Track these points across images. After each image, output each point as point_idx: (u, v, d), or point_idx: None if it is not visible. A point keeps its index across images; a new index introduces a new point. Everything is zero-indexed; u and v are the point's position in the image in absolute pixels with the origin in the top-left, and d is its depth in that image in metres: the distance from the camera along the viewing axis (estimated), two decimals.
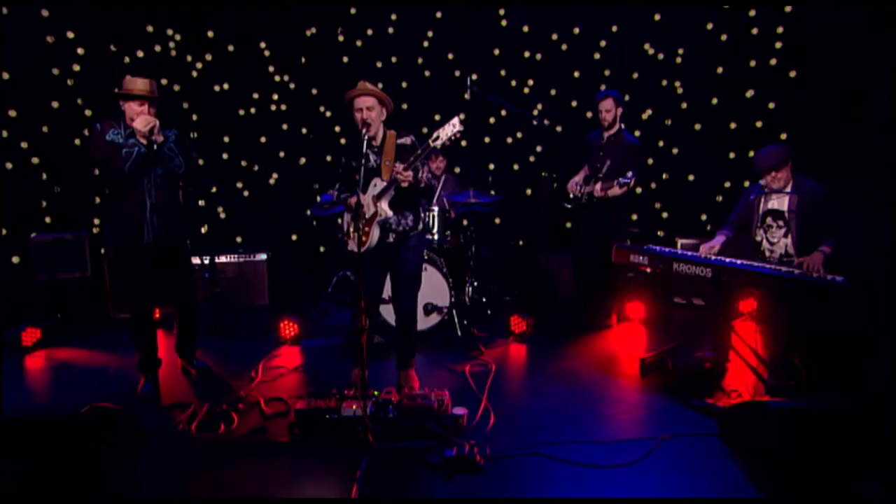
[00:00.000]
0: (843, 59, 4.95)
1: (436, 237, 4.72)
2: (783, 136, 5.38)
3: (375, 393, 3.24)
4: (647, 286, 5.02)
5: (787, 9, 5.28)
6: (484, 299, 5.08)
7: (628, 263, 3.91)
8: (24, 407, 3.36)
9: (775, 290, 3.23)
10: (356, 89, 3.30)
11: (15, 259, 4.98)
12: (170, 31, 5.40)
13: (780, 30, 5.34)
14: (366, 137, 3.19)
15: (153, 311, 3.69)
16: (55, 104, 5.17)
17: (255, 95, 5.77)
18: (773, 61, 5.39)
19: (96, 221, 5.39)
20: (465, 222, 5.47)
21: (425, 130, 5.71)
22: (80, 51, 5.18)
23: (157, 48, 5.38)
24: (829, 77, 5.06)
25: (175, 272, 3.59)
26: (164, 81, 5.43)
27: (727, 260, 3.52)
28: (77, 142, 5.27)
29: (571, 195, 4.81)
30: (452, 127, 3.10)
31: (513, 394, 3.57)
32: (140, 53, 5.33)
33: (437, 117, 5.93)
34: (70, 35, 5.13)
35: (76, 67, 5.18)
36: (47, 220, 5.23)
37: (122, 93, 3.27)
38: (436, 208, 4.75)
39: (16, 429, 2.45)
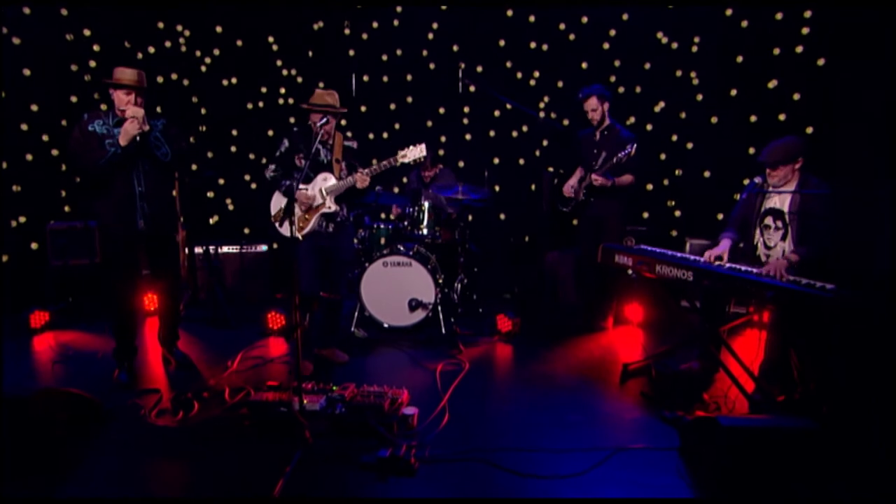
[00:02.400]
0: (880, 46, 4.50)
1: (425, 232, 4.65)
2: (809, 131, 4.98)
3: (334, 388, 3.22)
4: (645, 288, 4.77)
5: None
6: (475, 296, 4.97)
7: (613, 264, 3.72)
8: (16, 385, 3.53)
9: (759, 298, 2.98)
10: (313, 103, 3.60)
11: (34, 245, 5.27)
12: (179, 27, 5.56)
13: (807, 14, 4.93)
14: (328, 144, 3.55)
15: (138, 299, 3.80)
16: (74, 98, 5.43)
17: (263, 89, 5.86)
18: (800, 49, 4.98)
19: None
20: (470, 217, 5.37)
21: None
22: (96, 47, 5.41)
23: (168, 44, 5.55)
24: (863, 65, 4.62)
25: (164, 260, 3.70)
26: (174, 76, 5.61)
27: (711, 264, 3.28)
28: None
29: (566, 197, 4.62)
30: (419, 151, 3.61)
31: (478, 396, 3.45)
32: (151, 49, 5.52)
33: (442, 110, 5.87)
34: (87, 32, 5.36)
35: (93, 63, 5.42)
36: (66, 209, 5.50)
37: (109, 81, 3.38)
38: (426, 203, 4.68)
39: None
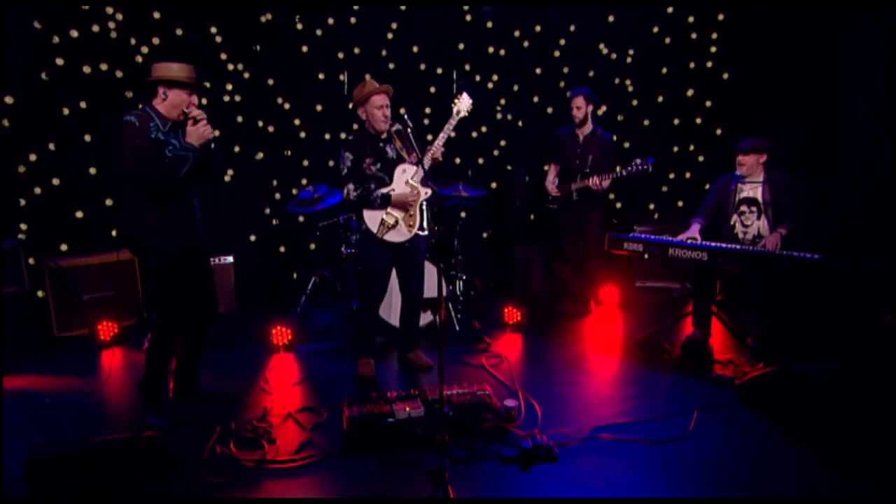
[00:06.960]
0: (769, 62, 5.61)
1: (426, 232, 4.66)
2: (718, 132, 6.01)
3: (415, 393, 3.18)
4: (620, 272, 5.38)
5: (720, 17, 5.87)
6: (472, 292, 5.13)
7: (622, 251, 4.18)
8: (19, 445, 2.80)
9: (769, 269, 3.62)
10: (373, 85, 3.52)
11: None
12: (109, 10, 4.77)
13: (714, 35, 5.92)
14: (385, 132, 3.53)
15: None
16: None
17: (207, 84, 5.27)
18: (710, 64, 5.97)
19: (23, 227, 4.67)
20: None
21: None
22: None
23: (95, 28, 4.73)
24: (758, 78, 5.71)
25: (208, 278, 3.30)
26: (103, 67, 4.81)
27: (720, 245, 3.89)
28: None
29: (551, 196, 4.98)
30: (466, 100, 3.55)
31: (537, 382, 3.65)
32: (74, 33, 4.66)
33: (402, 110, 5.82)
34: None
35: None
36: None
37: (170, 79, 2.95)
38: (425, 203, 4.69)
39: (56, 468, 2.11)
